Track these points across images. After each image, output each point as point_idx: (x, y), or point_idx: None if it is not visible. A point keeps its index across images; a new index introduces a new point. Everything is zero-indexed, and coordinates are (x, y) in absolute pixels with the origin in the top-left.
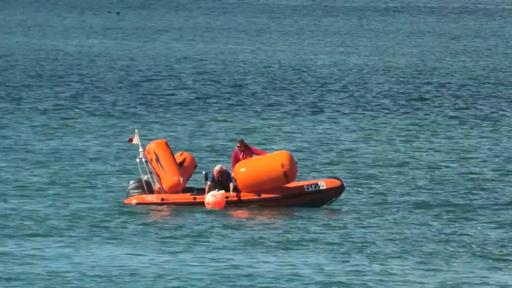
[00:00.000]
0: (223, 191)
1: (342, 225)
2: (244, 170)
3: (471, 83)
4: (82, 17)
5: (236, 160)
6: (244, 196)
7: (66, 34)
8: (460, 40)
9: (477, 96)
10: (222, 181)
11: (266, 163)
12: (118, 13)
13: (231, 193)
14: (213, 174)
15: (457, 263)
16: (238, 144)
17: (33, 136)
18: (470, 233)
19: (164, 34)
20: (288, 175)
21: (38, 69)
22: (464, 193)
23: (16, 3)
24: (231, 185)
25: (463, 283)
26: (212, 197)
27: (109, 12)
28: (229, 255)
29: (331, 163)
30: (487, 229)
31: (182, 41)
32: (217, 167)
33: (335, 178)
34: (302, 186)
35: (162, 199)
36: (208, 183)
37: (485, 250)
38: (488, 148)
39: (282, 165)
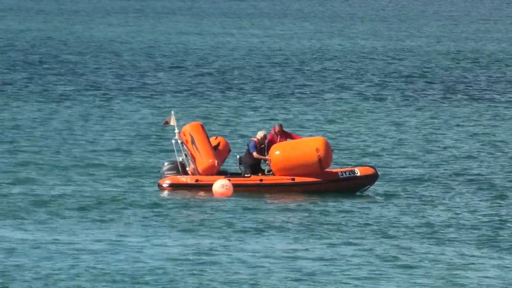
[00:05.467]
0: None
1: (372, 212)
2: (279, 153)
3: (497, 67)
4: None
5: (271, 143)
6: (278, 180)
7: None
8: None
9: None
10: (265, 148)
11: (301, 147)
12: None
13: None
14: (254, 143)
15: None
16: (277, 128)
17: (67, 117)
18: (503, 220)
19: (212, 18)
20: (323, 161)
21: (75, 51)
22: (498, 180)
23: None
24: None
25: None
26: (221, 188)
27: None
28: (258, 239)
29: (366, 151)
30: None
31: (230, 27)
32: (260, 133)
33: (369, 166)
34: (336, 172)
35: (197, 181)
36: (254, 153)
37: None
38: None
39: (317, 150)
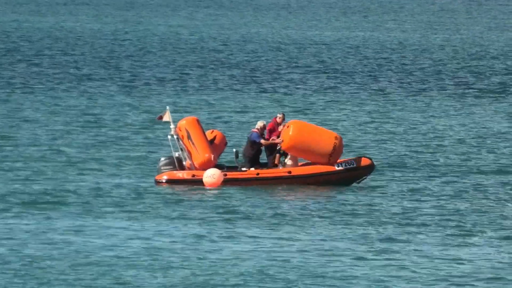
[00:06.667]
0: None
1: (368, 203)
2: (299, 129)
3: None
4: None
5: (271, 132)
6: (274, 173)
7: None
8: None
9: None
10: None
11: (321, 131)
12: None
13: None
14: (257, 133)
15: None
16: (279, 115)
17: (62, 112)
18: (496, 216)
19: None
20: (336, 151)
21: (68, 43)
22: (495, 174)
23: None
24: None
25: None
26: (211, 178)
27: None
28: (253, 232)
29: (362, 142)
30: None
31: (223, 19)
32: (260, 123)
33: (366, 157)
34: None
35: (193, 176)
36: (262, 141)
37: None
38: None
39: (336, 138)
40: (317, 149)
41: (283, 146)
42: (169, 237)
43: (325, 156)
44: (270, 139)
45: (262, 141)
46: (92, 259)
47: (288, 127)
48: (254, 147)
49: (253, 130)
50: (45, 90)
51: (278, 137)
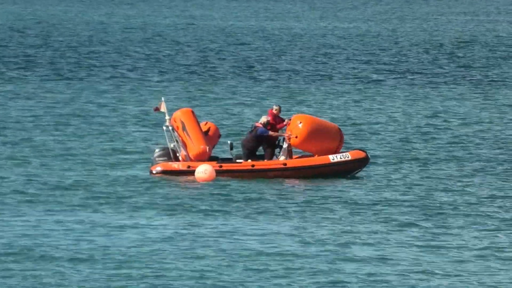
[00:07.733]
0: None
1: (361, 196)
2: (309, 122)
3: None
4: None
5: (274, 125)
6: (269, 165)
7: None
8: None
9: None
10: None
11: (326, 123)
12: None
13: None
14: (262, 128)
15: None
16: (275, 107)
17: (57, 104)
18: (492, 209)
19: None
20: (341, 140)
21: (64, 34)
22: (491, 165)
23: None
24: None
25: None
26: (203, 174)
27: None
28: (247, 224)
29: (357, 135)
30: None
31: (218, 12)
32: (264, 118)
33: (360, 150)
34: (327, 157)
35: (189, 167)
36: (270, 132)
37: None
38: None
39: (339, 128)
40: (326, 142)
41: (294, 143)
42: (163, 229)
43: (333, 147)
44: (276, 132)
45: (271, 132)
46: (87, 251)
47: (300, 122)
48: (260, 140)
49: (257, 124)
50: (37, 81)
51: (280, 130)
